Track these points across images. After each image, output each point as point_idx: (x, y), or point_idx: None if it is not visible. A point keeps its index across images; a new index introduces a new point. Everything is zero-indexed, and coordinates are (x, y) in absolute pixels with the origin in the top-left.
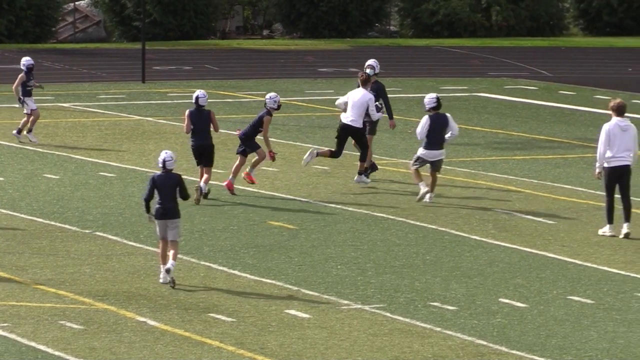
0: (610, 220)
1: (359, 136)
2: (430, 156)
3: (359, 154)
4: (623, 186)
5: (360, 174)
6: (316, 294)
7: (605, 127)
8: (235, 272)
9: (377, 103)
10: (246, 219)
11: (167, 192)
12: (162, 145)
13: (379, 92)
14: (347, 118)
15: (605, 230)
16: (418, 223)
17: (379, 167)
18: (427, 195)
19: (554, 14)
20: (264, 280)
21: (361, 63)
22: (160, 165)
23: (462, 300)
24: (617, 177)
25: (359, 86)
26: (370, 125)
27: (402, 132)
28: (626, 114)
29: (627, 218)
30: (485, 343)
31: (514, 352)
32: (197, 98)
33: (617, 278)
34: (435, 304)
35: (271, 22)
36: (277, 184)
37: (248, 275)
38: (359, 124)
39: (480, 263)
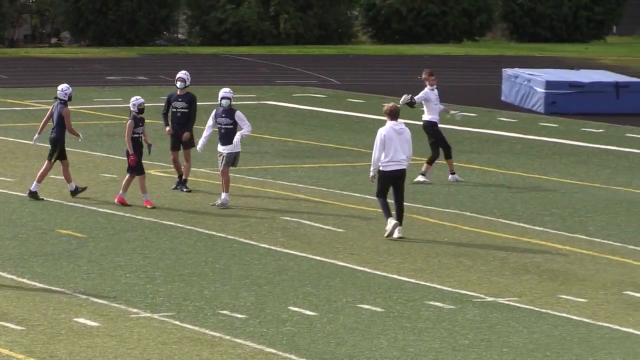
0: (387, 214)
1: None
2: (225, 149)
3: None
4: (398, 190)
5: (453, 173)
6: (105, 302)
7: (381, 131)
8: (24, 280)
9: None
10: (35, 227)
11: None
12: None
13: (191, 103)
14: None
15: (388, 227)
16: (207, 231)
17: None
18: (224, 197)
19: (343, 22)
20: (53, 288)
21: (149, 71)
22: None
23: (251, 309)
24: (392, 180)
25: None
26: (172, 139)
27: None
28: (400, 119)
29: (399, 221)
30: (274, 351)
31: None
32: (57, 90)
33: (406, 286)
34: (224, 312)
35: (59, 30)
36: (65, 192)
37: (37, 284)
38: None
39: (269, 271)
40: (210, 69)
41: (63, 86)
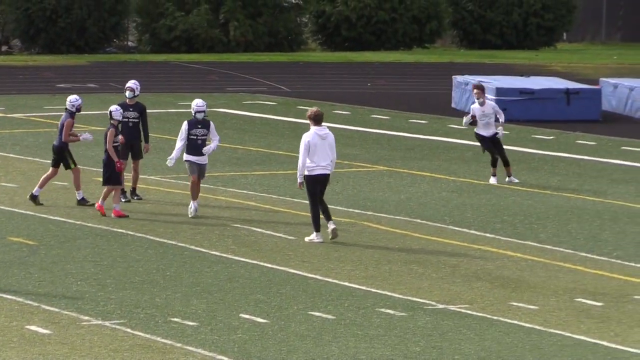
0: (317, 228)
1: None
2: (199, 160)
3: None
4: (320, 193)
5: (509, 175)
6: (57, 309)
7: (305, 137)
8: None
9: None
10: None
11: None
12: None
13: (142, 113)
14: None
15: (313, 237)
16: (158, 239)
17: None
18: (193, 207)
19: (292, 29)
20: (4, 296)
21: (100, 79)
22: None
23: (202, 316)
24: (319, 184)
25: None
26: (124, 148)
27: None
28: (324, 123)
29: (329, 217)
30: (226, 359)
31: None
32: (66, 101)
33: (358, 293)
34: (175, 319)
35: (9, 38)
36: (17, 199)
37: None
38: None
39: (220, 279)
40: (161, 76)
41: (72, 97)
